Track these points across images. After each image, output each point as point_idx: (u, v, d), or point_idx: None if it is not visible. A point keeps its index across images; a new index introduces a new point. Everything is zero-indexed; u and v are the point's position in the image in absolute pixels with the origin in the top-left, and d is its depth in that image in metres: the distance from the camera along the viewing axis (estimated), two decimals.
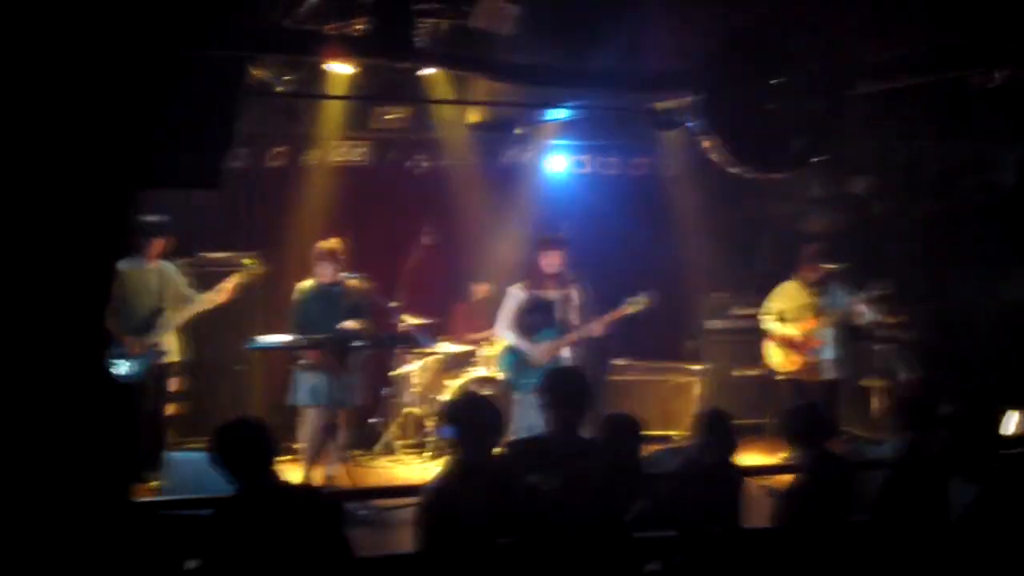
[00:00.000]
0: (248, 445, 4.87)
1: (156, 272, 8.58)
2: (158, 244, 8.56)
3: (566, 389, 5.40)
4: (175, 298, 8.65)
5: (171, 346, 8.63)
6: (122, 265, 8.16)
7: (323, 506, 4.99)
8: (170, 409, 8.66)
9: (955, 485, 5.40)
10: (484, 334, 10.05)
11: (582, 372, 6.28)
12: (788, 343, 9.40)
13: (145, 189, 6.18)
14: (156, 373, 8.51)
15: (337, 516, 5.06)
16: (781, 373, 9.60)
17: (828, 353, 9.46)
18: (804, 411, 6.21)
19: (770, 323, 9.56)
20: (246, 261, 8.83)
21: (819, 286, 9.47)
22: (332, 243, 8.55)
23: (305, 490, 5.25)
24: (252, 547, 4.70)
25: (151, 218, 8.58)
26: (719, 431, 5.73)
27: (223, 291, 8.62)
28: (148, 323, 8.42)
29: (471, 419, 4.87)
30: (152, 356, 8.40)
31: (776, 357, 9.58)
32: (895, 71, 7.42)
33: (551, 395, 5.39)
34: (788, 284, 9.60)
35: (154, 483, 8.02)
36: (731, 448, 5.76)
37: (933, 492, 5.55)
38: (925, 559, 5.43)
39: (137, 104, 5.47)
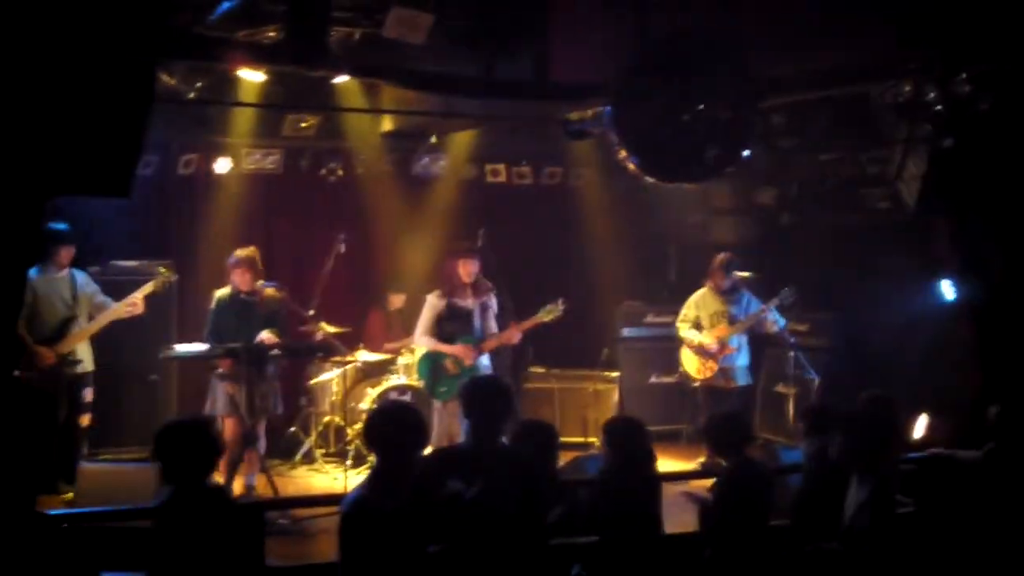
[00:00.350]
0: (192, 446, 4.84)
1: (67, 280, 8.42)
2: (68, 252, 8.39)
3: (486, 397, 5.41)
4: (87, 306, 8.51)
5: (84, 355, 8.48)
6: (33, 274, 8.03)
7: (244, 512, 4.97)
8: (84, 420, 8.49)
9: (852, 485, 5.54)
10: (402, 343, 10.06)
11: (503, 380, 6.31)
12: (702, 350, 9.52)
13: (53, 197, 6.09)
14: (70, 383, 8.36)
15: (257, 523, 5.06)
16: (696, 380, 9.70)
17: (741, 360, 9.60)
18: (726, 418, 6.31)
19: (684, 331, 9.67)
20: (161, 269, 8.72)
21: (730, 294, 9.61)
22: (248, 251, 8.48)
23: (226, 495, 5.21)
24: (192, 550, 4.67)
25: (59, 226, 8.43)
26: (630, 439, 5.79)
27: (136, 304, 8.48)
28: (60, 332, 8.26)
29: (393, 428, 4.86)
30: (65, 365, 8.25)
31: (691, 364, 9.68)
32: (802, 84, 7.57)
33: (472, 403, 5.40)
34: (701, 292, 9.72)
35: (68, 495, 7.89)
36: (645, 454, 5.82)
37: (838, 493, 5.68)
38: (836, 558, 5.55)
39: (45, 110, 5.39)
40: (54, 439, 8.22)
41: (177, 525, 4.76)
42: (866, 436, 5.51)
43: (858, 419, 5.63)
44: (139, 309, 8.51)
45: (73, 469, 7.95)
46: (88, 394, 8.52)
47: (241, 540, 4.92)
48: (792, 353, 9.40)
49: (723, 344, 9.45)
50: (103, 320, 8.47)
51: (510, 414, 5.60)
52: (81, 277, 8.59)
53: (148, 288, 8.56)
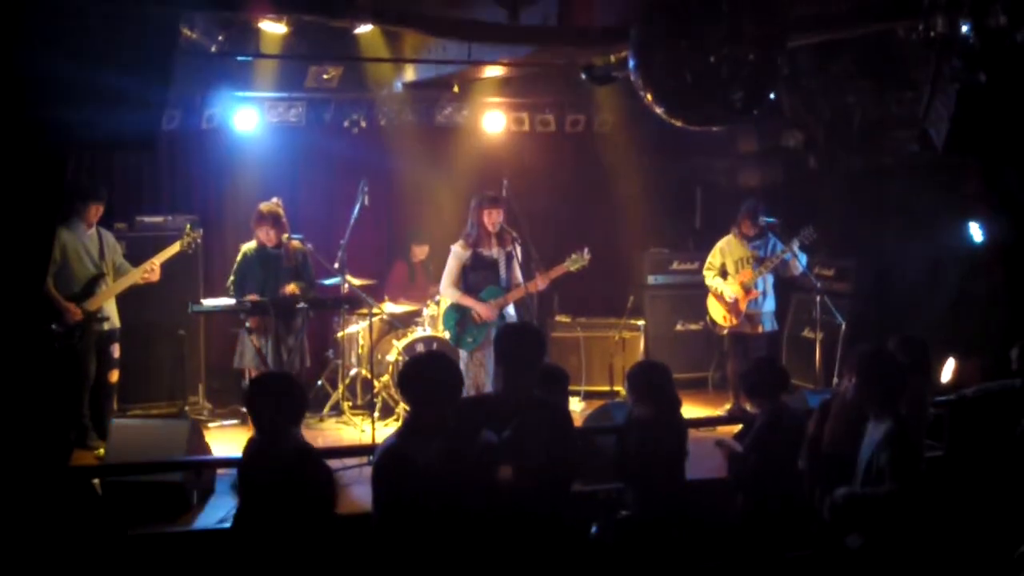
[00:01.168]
0: (280, 398, 4.93)
1: (95, 238, 8.46)
2: (96, 209, 8.42)
3: (521, 344, 5.39)
4: (114, 266, 8.55)
5: (111, 312, 8.53)
6: (62, 230, 8.07)
7: (319, 464, 5.00)
8: (113, 376, 8.56)
9: (868, 426, 5.53)
10: (427, 293, 10.08)
11: (537, 329, 6.31)
12: (729, 297, 9.49)
13: (79, 150, 6.11)
14: (99, 339, 8.42)
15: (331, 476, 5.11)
16: (722, 327, 9.69)
17: (767, 306, 9.57)
18: (761, 365, 6.31)
19: (710, 279, 9.64)
20: (187, 228, 8.76)
21: (757, 240, 9.57)
22: (271, 205, 8.48)
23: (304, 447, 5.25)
24: (272, 495, 4.71)
25: (88, 182, 8.46)
26: (656, 385, 5.79)
27: (153, 270, 8.54)
28: (88, 289, 8.30)
29: (427, 378, 4.86)
30: (93, 322, 8.29)
31: (717, 312, 9.67)
32: (828, 24, 7.47)
33: (506, 351, 5.38)
34: (727, 239, 9.68)
35: (99, 450, 7.98)
36: (671, 400, 5.82)
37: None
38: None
39: (69, 63, 5.38)
40: (84, 395, 8.31)
41: (265, 471, 4.80)
42: (878, 376, 5.48)
43: (870, 359, 5.60)
44: (155, 276, 8.58)
45: (103, 425, 8.04)
46: (116, 350, 8.59)
47: (314, 489, 4.95)
48: (818, 298, 9.37)
49: (748, 288, 9.42)
50: (123, 283, 8.50)
51: (542, 362, 5.60)
52: (109, 236, 8.63)
53: (171, 251, 8.61)
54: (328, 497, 4.98)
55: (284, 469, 4.77)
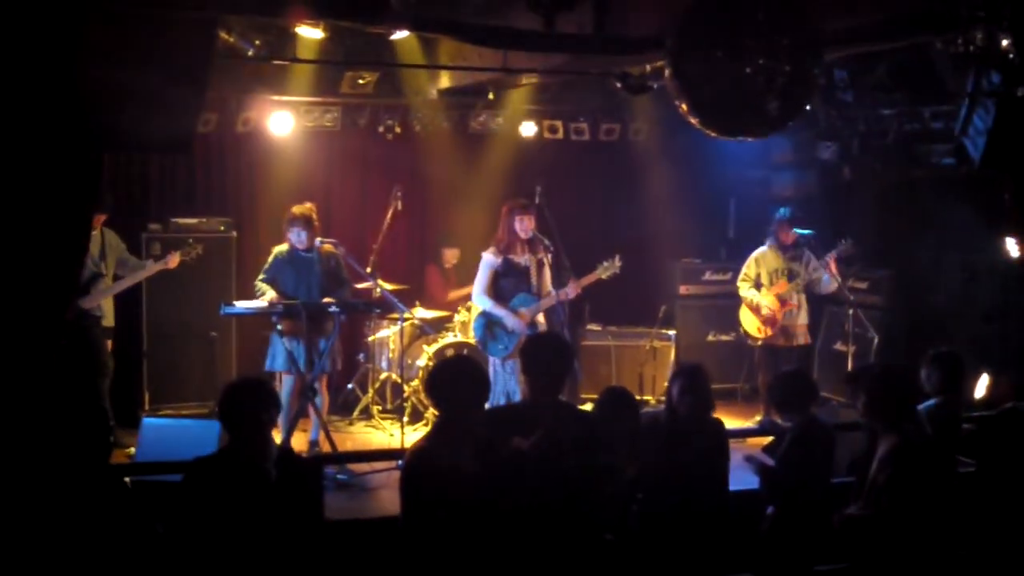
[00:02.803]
0: (248, 403, 4.94)
1: (97, 239, 8.52)
2: (99, 217, 8.47)
3: (546, 354, 5.39)
4: (115, 265, 8.64)
5: (106, 311, 8.63)
6: None
7: (303, 467, 5.03)
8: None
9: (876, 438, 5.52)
10: (460, 295, 10.10)
11: (562, 338, 6.30)
12: (765, 310, 9.44)
13: (114, 152, 6.15)
14: (92, 337, 8.49)
15: (316, 479, 5.11)
16: (755, 338, 9.64)
17: (801, 319, 9.52)
18: (792, 377, 6.28)
19: (744, 290, 9.59)
20: (191, 243, 8.83)
21: (793, 251, 9.51)
22: (305, 208, 8.51)
23: (286, 451, 5.27)
24: (230, 503, 4.74)
25: None
26: (698, 385, 5.77)
27: (151, 268, 8.71)
28: (85, 288, 8.36)
29: (454, 382, 4.87)
30: (86, 320, 8.37)
31: (751, 323, 9.62)
32: (866, 35, 7.43)
33: (531, 361, 5.38)
34: (762, 250, 9.62)
35: (131, 449, 8.02)
36: (709, 402, 5.80)
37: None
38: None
39: (107, 66, 5.42)
40: (104, 391, 8.37)
41: (228, 477, 4.82)
42: (885, 393, 5.47)
43: (875, 376, 5.58)
44: (175, 262, 8.78)
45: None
46: (107, 347, 8.68)
47: (300, 494, 4.98)
48: (851, 311, 9.30)
49: (784, 300, 9.38)
50: (129, 282, 8.65)
51: (569, 370, 5.60)
52: (112, 237, 8.74)
53: (175, 259, 8.72)
54: (316, 499, 5.02)
55: (271, 474, 4.82)
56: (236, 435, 4.96)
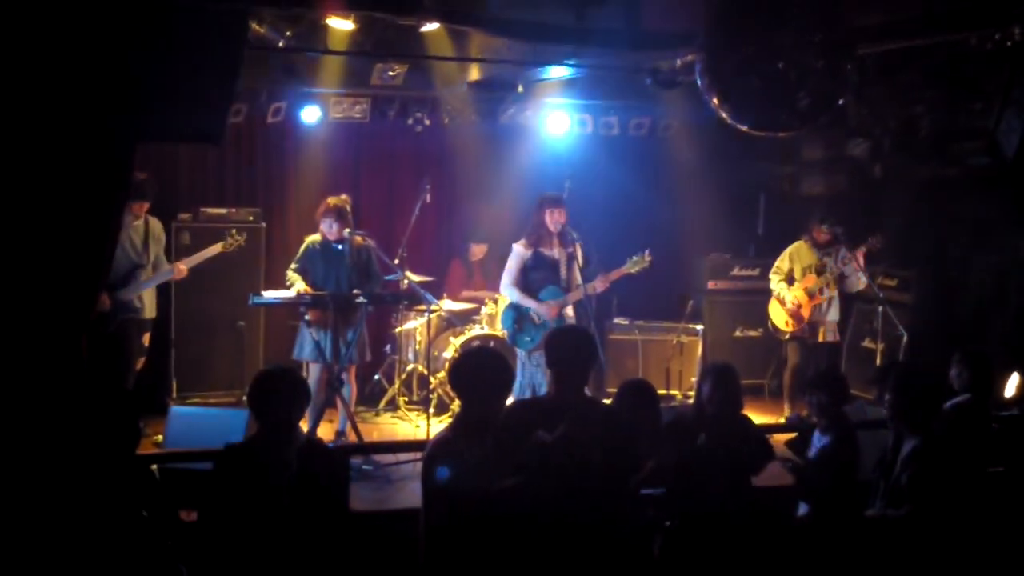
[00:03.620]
0: (278, 392, 4.96)
1: (140, 229, 8.57)
2: (141, 205, 8.50)
3: (570, 347, 5.39)
4: (156, 259, 8.68)
5: (147, 302, 8.63)
6: None
7: (329, 458, 5.05)
8: (139, 363, 8.64)
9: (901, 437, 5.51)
10: (482, 293, 10.12)
11: (586, 331, 6.28)
12: (794, 304, 9.38)
13: (146, 142, 6.19)
14: (136, 328, 8.53)
15: (343, 469, 5.13)
16: (784, 333, 9.59)
17: (831, 315, 9.46)
18: (827, 376, 6.25)
19: (776, 283, 9.53)
20: (233, 232, 8.85)
21: (827, 248, 9.45)
22: (339, 200, 8.52)
23: (313, 441, 5.30)
24: (256, 492, 4.77)
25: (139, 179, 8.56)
26: (729, 385, 5.74)
27: (181, 270, 8.70)
28: (124, 279, 8.39)
29: (477, 373, 4.88)
30: (126, 311, 8.41)
31: (779, 317, 9.57)
32: (899, 32, 7.39)
33: (555, 353, 5.39)
34: (798, 244, 9.54)
35: (158, 437, 8.06)
36: (739, 402, 5.77)
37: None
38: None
39: (139, 57, 5.45)
40: (130, 382, 8.42)
41: (255, 465, 4.85)
42: (907, 392, 5.44)
43: (900, 375, 5.55)
44: (181, 275, 8.72)
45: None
46: (146, 339, 8.71)
47: (325, 484, 5.00)
48: (880, 308, 9.25)
49: (812, 294, 9.32)
50: (154, 280, 8.64)
51: (593, 364, 5.59)
52: (156, 227, 8.75)
53: (211, 251, 8.74)
54: (342, 490, 5.04)
55: (297, 463, 4.84)
56: (264, 423, 4.99)
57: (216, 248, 8.77)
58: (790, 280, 9.47)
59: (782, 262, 9.59)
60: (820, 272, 9.34)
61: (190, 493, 6.51)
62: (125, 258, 8.37)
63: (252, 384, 5.09)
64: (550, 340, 5.57)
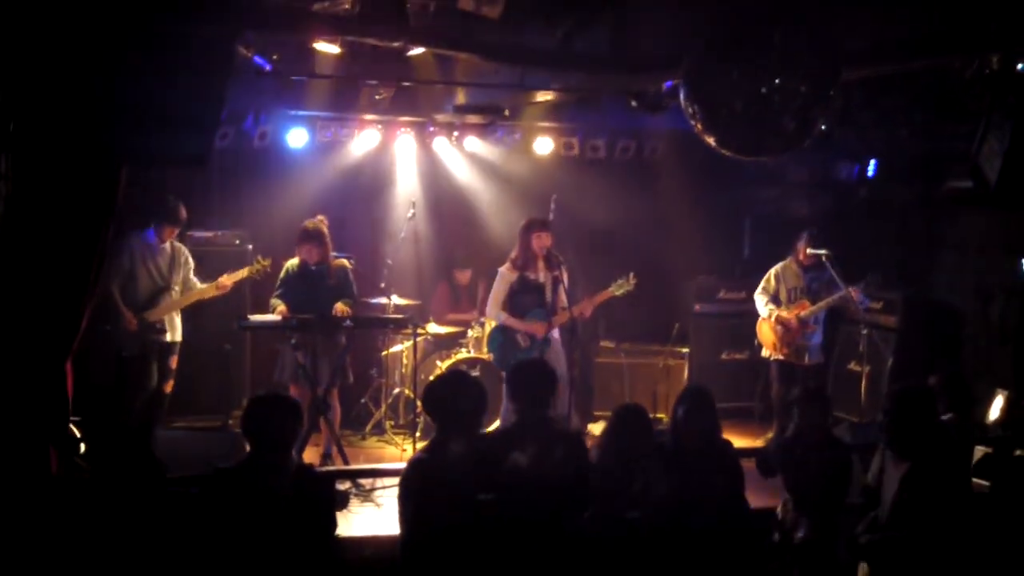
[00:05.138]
0: (272, 419, 4.98)
1: (167, 253, 8.66)
2: (171, 231, 8.67)
3: (532, 381, 5.51)
4: (183, 281, 8.71)
5: (173, 325, 8.67)
6: (136, 240, 8.25)
7: (322, 484, 5.07)
8: (168, 386, 8.68)
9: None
10: (468, 316, 10.12)
11: (544, 363, 6.35)
12: (781, 326, 9.38)
13: (133, 165, 6.19)
14: (158, 351, 8.56)
15: (330, 494, 5.14)
16: (770, 355, 9.58)
17: (816, 338, 9.46)
18: (812, 397, 6.27)
19: (763, 305, 9.52)
20: (259, 258, 8.83)
21: (813, 271, 9.45)
22: (316, 222, 8.55)
23: (301, 467, 5.30)
24: (246, 516, 4.76)
25: (171, 204, 8.60)
26: (704, 408, 5.75)
27: (225, 287, 8.70)
28: (150, 301, 8.47)
29: (450, 396, 4.93)
30: (152, 333, 8.44)
31: (767, 339, 9.56)
32: (884, 57, 7.43)
33: (517, 387, 5.50)
34: (783, 265, 9.53)
35: None
36: (715, 424, 5.78)
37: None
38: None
39: (126, 80, 5.46)
40: (136, 403, 8.41)
41: (246, 490, 4.85)
42: (903, 416, 5.47)
43: (897, 399, 5.58)
44: (224, 290, 8.77)
45: (152, 432, 8.12)
46: (173, 362, 8.76)
47: (316, 509, 5.00)
48: (865, 331, 9.27)
49: (806, 322, 9.31)
50: (191, 298, 8.69)
51: (553, 393, 5.68)
52: (183, 252, 8.83)
53: (241, 274, 8.73)
54: (331, 516, 5.06)
55: (291, 489, 4.84)
56: (257, 449, 4.98)
57: (243, 273, 8.77)
58: (776, 300, 9.46)
59: (767, 282, 9.57)
60: (814, 300, 9.30)
61: (181, 516, 6.52)
62: (150, 281, 8.51)
63: (247, 409, 5.10)
64: (511, 375, 5.76)
